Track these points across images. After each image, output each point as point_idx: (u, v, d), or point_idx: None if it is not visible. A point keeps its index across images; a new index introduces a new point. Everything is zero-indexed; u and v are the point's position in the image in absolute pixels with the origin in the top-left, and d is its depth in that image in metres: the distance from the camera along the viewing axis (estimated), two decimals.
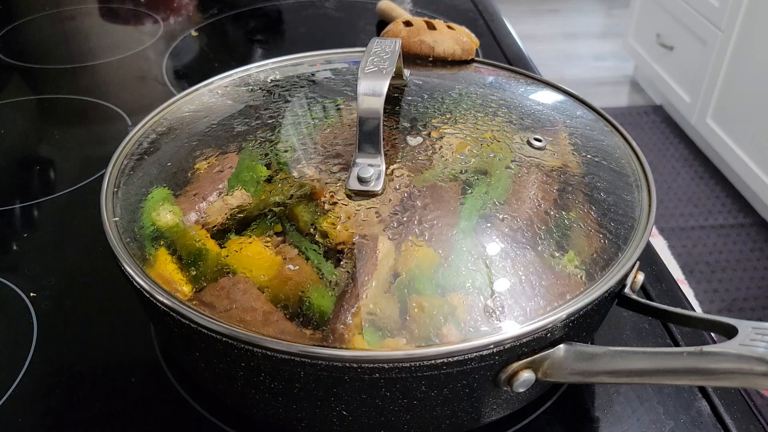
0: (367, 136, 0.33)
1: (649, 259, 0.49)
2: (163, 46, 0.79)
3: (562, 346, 0.31)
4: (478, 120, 0.38)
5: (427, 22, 0.49)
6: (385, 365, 0.28)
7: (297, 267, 0.31)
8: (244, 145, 0.37)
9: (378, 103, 0.33)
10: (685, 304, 0.46)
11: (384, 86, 0.33)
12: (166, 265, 0.32)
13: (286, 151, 0.36)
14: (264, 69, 0.47)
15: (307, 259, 0.31)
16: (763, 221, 1.63)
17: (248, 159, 0.36)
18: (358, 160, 0.33)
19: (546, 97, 0.45)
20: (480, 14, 0.88)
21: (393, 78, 0.35)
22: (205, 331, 0.29)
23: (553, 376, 0.31)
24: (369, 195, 0.32)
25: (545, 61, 2.33)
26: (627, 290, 0.35)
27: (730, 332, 0.28)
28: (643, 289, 0.46)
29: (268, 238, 0.32)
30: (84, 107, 0.68)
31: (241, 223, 0.33)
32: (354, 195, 0.32)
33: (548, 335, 0.30)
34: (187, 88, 0.45)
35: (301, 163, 0.35)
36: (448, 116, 0.38)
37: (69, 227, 0.53)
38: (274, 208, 0.33)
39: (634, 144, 0.41)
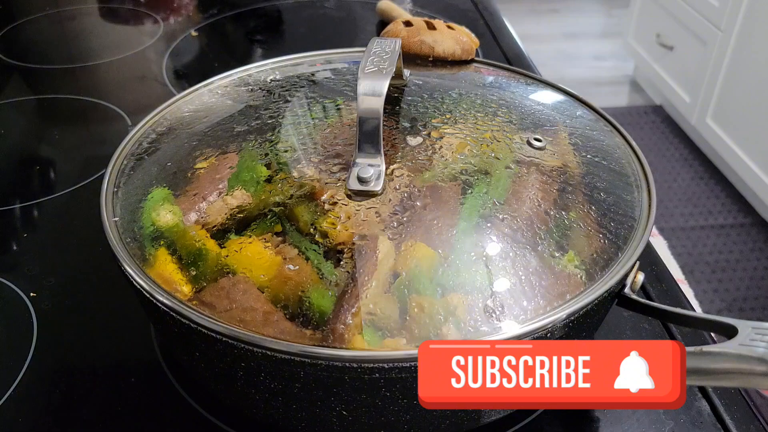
0: (367, 136, 0.33)
1: (649, 259, 0.49)
2: (163, 46, 0.79)
3: None
4: (478, 120, 0.38)
5: (427, 22, 0.49)
6: (385, 365, 0.28)
7: (297, 267, 0.31)
8: (244, 145, 0.37)
9: (378, 103, 0.33)
10: (685, 304, 0.46)
11: (384, 86, 0.33)
12: (166, 265, 0.32)
13: (286, 151, 0.36)
14: (264, 69, 0.47)
15: (307, 259, 0.31)
16: (763, 221, 1.63)
17: (248, 159, 0.36)
18: (358, 160, 0.33)
19: (546, 97, 0.45)
20: (480, 14, 0.88)
21: (393, 78, 0.35)
22: (205, 331, 0.29)
23: None
24: (369, 195, 0.32)
25: (545, 61, 2.32)
26: (627, 290, 0.35)
27: (730, 332, 0.28)
28: (643, 289, 0.46)
29: (268, 238, 0.32)
30: (84, 107, 0.68)
31: (241, 223, 0.33)
32: (354, 195, 0.32)
33: (548, 335, 0.30)
34: (187, 88, 0.45)
35: (301, 163, 0.35)
36: (448, 116, 0.38)
37: (69, 227, 0.53)
38: (274, 208, 0.33)
39: (634, 144, 0.41)
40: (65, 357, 0.41)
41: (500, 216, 0.33)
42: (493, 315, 0.30)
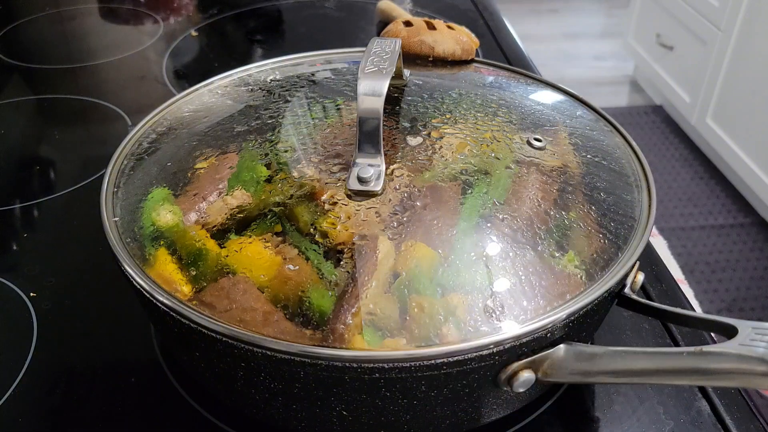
0: (367, 136, 0.33)
1: (649, 259, 0.49)
2: (163, 46, 0.79)
3: (562, 346, 0.31)
4: (478, 120, 0.38)
5: (427, 22, 0.49)
6: (385, 365, 0.28)
7: (297, 267, 0.31)
8: (244, 145, 0.37)
9: (378, 103, 0.33)
10: (685, 304, 0.46)
11: (384, 86, 0.33)
12: (166, 265, 0.32)
13: (286, 151, 0.36)
14: (264, 69, 0.47)
15: (307, 259, 0.31)
16: (763, 221, 1.63)
17: (248, 159, 0.36)
18: (358, 160, 0.33)
19: (546, 97, 0.45)
20: (480, 14, 0.88)
21: (393, 78, 0.35)
22: (205, 331, 0.29)
23: (553, 376, 0.31)
24: (369, 195, 0.32)
25: (545, 61, 2.33)
26: (627, 290, 0.35)
27: (730, 332, 0.28)
28: (643, 289, 0.46)
29: (268, 238, 0.32)
30: (84, 107, 0.68)
31: (241, 223, 0.33)
32: (354, 195, 0.32)
33: (548, 335, 0.30)
34: (187, 88, 0.45)
35: (301, 163, 0.35)
36: (448, 116, 0.38)
37: (69, 227, 0.53)
38: (274, 208, 0.33)
39: (634, 144, 0.41)
40: (65, 357, 0.41)
41: (500, 216, 0.33)
42: (493, 315, 0.30)
